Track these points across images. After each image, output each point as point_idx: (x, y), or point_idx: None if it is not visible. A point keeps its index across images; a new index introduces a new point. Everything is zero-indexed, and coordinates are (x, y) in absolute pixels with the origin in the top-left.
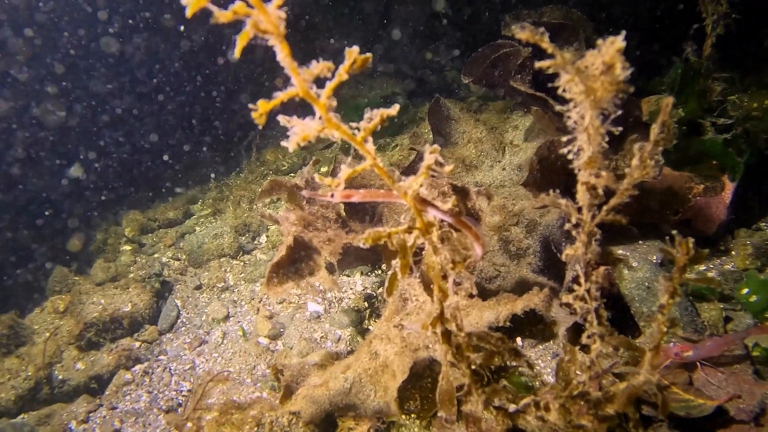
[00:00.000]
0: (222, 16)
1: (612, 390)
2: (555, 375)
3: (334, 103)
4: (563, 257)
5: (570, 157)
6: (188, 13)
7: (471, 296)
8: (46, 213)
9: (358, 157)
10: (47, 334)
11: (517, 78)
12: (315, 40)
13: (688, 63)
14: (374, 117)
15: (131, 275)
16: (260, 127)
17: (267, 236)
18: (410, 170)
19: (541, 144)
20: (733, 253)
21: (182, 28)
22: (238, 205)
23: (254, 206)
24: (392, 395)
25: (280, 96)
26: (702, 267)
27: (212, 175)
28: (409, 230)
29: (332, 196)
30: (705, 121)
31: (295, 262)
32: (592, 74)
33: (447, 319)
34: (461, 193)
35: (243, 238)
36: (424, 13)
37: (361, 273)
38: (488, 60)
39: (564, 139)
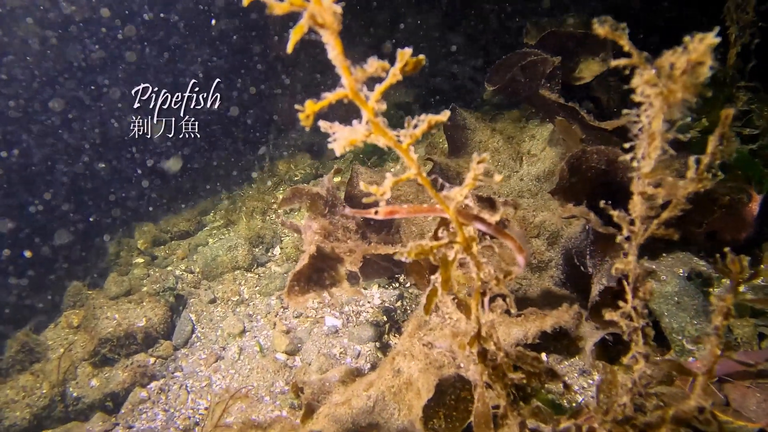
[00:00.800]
0: (278, 7)
1: (659, 414)
2: (596, 397)
3: (384, 107)
4: (613, 272)
5: (634, 164)
6: (245, 1)
7: (508, 313)
8: (91, 219)
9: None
10: (62, 350)
11: (546, 86)
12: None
13: (712, 72)
14: (420, 123)
15: (145, 289)
16: (307, 128)
17: (281, 248)
18: None
19: (574, 153)
20: (762, 267)
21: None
22: (251, 216)
23: (275, 214)
24: (417, 414)
25: (329, 97)
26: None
27: (222, 190)
28: (451, 244)
29: (376, 213)
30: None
31: (317, 272)
32: (673, 74)
33: (484, 337)
34: (487, 203)
35: (257, 250)
36: (435, 21)
37: (379, 286)
38: (514, 68)
39: (622, 150)
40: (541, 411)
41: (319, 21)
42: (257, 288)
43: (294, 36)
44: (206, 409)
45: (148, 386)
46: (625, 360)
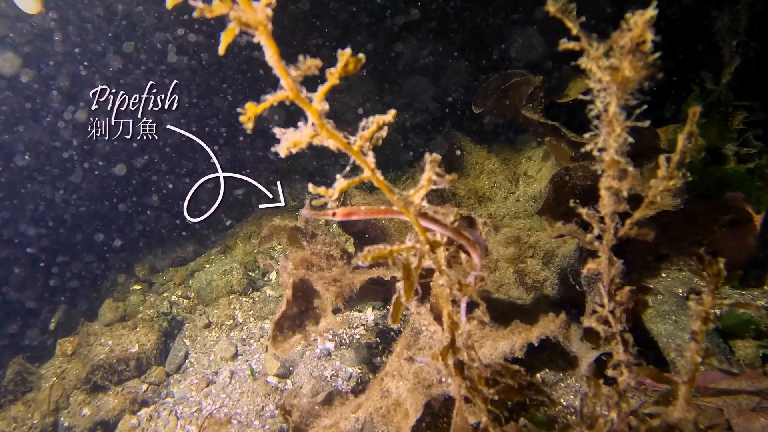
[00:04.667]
0: (206, 10)
1: (643, 428)
2: (579, 412)
3: (327, 107)
4: (585, 271)
5: (595, 153)
6: (168, 5)
7: (483, 323)
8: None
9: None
10: (54, 379)
11: (528, 107)
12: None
13: (707, 91)
14: (370, 125)
15: (140, 315)
16: (248, 130)
17: (277, 272)
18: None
19: (557, 171)
20: (765, 287)
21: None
22: (248, 241)
23: (257, 251)
24: None
25: (269, 99)
26: (750, 311)
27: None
28: (413, 249)
29: (334, 214)
30: (727, 150)
31: (300, 312)
32: (620, 54)
33: (459, 348)
34: (468, 222)
35: (253, 274)
36: (435, 51)
37: (373, 308)
38: (499, 90)
39: (577, 161)
40: (527, 428)
41: (245, 21)
42: (251, 312)
43: (225, 38)
44: None
45: (139, 413)
46: (609, 371)
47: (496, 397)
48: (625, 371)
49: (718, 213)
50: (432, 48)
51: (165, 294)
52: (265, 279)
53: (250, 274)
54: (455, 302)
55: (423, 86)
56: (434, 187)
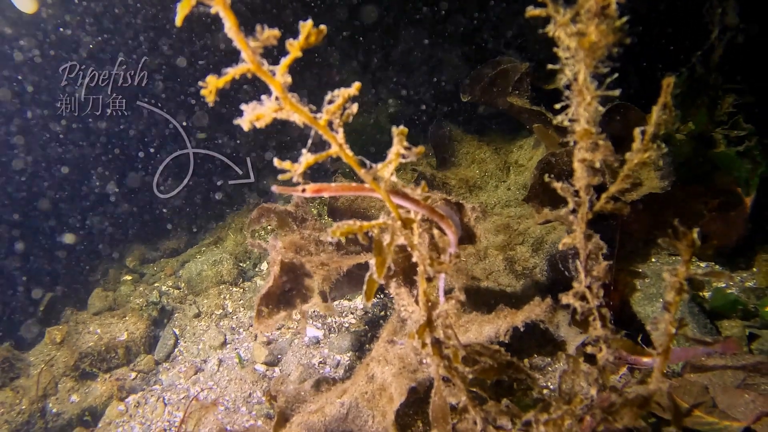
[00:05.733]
0: None
1: (620, 401)
2: (558, 388)
3: (290, 80)
4: (560, 246)
5: (566, 123)
6: None
7: (461, 303)
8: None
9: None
10: (43, 366)
11: (514, 93)
12: (318, 72)
13: (695, 74)
14: (336, 98)
15: (129, 304)
16: (210, 104)
17: (268, 262)
18: None
19: (543, 157)
20: (754, 269)
21: None
22: (239, 232)
23: (245, 234)
24: (390, 420)
25: (231, 72)
26: (722, 284)
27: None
28: (385, 225)
29: (303, 191)
30: (717, 133)
31: (286, 290)
32: (586, 18)
33: (435, 327)
34: (456, 208)
35: (244, 265)
36: (429, 39)
37: (363, 297)
38: (487, 77)
39: (565, 146)
40: (509, 409)
41: None
42: (241, 302)
43: (181, 9)
44: (182, 421)
45: (126, 400)
46: (589, 348)
47: (473, 376)
48: (603, 347)
49: (708, 196)
50: (427, 39)
51: (156, 284)
52: (256, 269)
53: (240, 264)
54: (430, 280)
55: (417, 77)
56: (402, 161)
